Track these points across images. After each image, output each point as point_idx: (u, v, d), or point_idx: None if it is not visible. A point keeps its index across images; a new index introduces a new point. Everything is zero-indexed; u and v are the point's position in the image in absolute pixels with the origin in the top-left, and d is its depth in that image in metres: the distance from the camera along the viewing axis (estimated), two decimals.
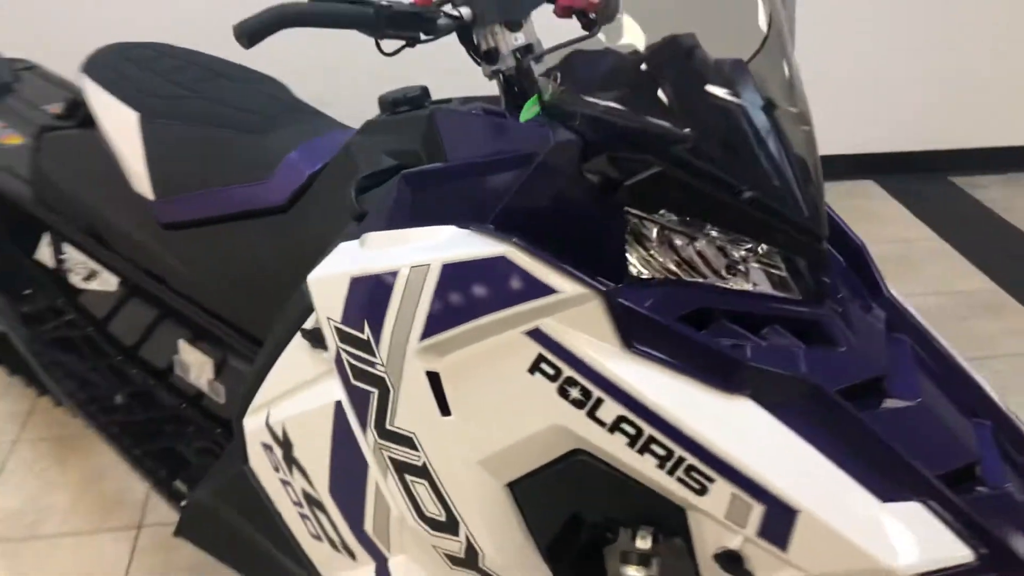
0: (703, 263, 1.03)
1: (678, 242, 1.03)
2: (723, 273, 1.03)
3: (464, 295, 0.97)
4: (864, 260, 1.15)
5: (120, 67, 1.66)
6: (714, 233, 1.02)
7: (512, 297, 0.94)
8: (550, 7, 1.24)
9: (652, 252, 1.02)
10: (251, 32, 0.99)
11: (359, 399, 1.08)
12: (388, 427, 1.06)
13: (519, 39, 1.16)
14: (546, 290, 0.93)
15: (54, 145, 1.73)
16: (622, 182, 0.97)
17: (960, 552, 0.91)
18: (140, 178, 1.52)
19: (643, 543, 1.04)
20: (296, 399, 1.18)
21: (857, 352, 1.01)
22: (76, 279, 1.85)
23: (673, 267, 1.02)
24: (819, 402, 0.93)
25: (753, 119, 0.99)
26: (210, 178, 1.46)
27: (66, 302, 1.88)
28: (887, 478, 0.92)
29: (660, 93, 0.98)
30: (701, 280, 1.01)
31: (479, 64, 1.18)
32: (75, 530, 1.82)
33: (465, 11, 1.11)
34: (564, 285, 0.93)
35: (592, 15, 1.24)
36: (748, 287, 1.03)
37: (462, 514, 1.05)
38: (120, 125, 1.55)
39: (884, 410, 0.98)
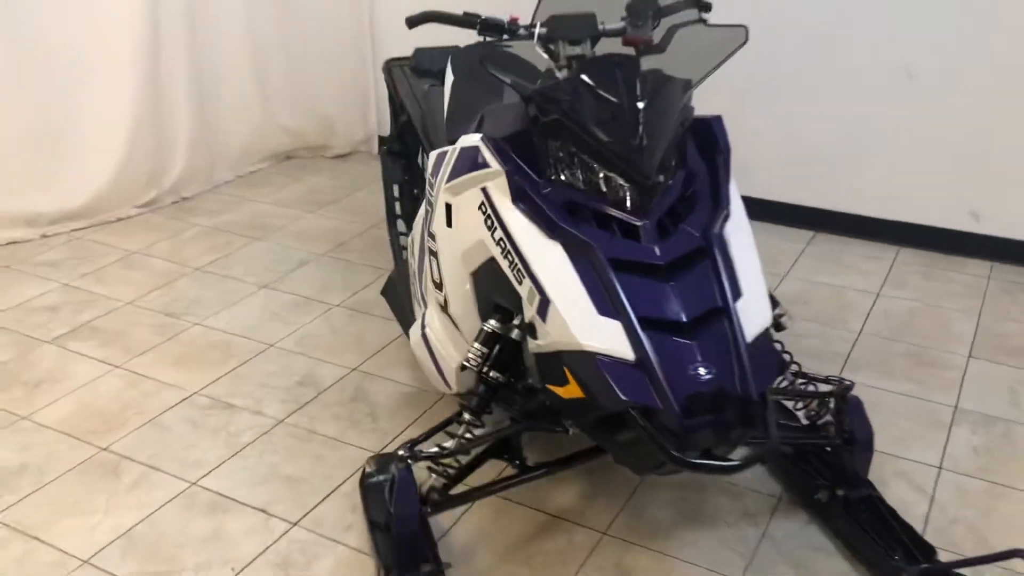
0: (607, 185, 1.79)
1: (600, 173, 1.80)
2: (620, 194, 1.78)
3: (462, 162, 1.90)
4: (723, 216, 1.78)
5: (467, 54, 2.81)
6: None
7: (476, 167, 1.85)
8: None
9: (577, 172, 1.81)
10: (411, 21, 2.02)
11: (426, 212, 2.08)
12: (429, 229, 2.04)
13: (575, 51, 1.99)
14: (486, 166, 1.82)
15: (431, 94, 2.96)
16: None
17: (625, 351, 1.59)
18: (445, 111, 2.66)
19: (517, 320, 1.86)
20: (420, 216, 2.23)
21: (648, 248, 1.69)
22: (426, 175, 3.09)
23: (582, 184, 1.80)
24: (591, 256, 1.66)
25: (609, 98, 1.74)
26: (466, 116, 2.53)
27: (421, 186, 3.14)
28: (608, 303, 1.62)
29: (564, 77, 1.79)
30: (583, 190, 1.78)
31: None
32: (366, 311, 3.08)
33: (542, 30, 1.99)
34: (493, 164, 1.80)
35: (642, 47, 2.03)
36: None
37: (444, 280, 1.99)
38: (448, 82, 2.71)
39: (637, 279, 1.66)
